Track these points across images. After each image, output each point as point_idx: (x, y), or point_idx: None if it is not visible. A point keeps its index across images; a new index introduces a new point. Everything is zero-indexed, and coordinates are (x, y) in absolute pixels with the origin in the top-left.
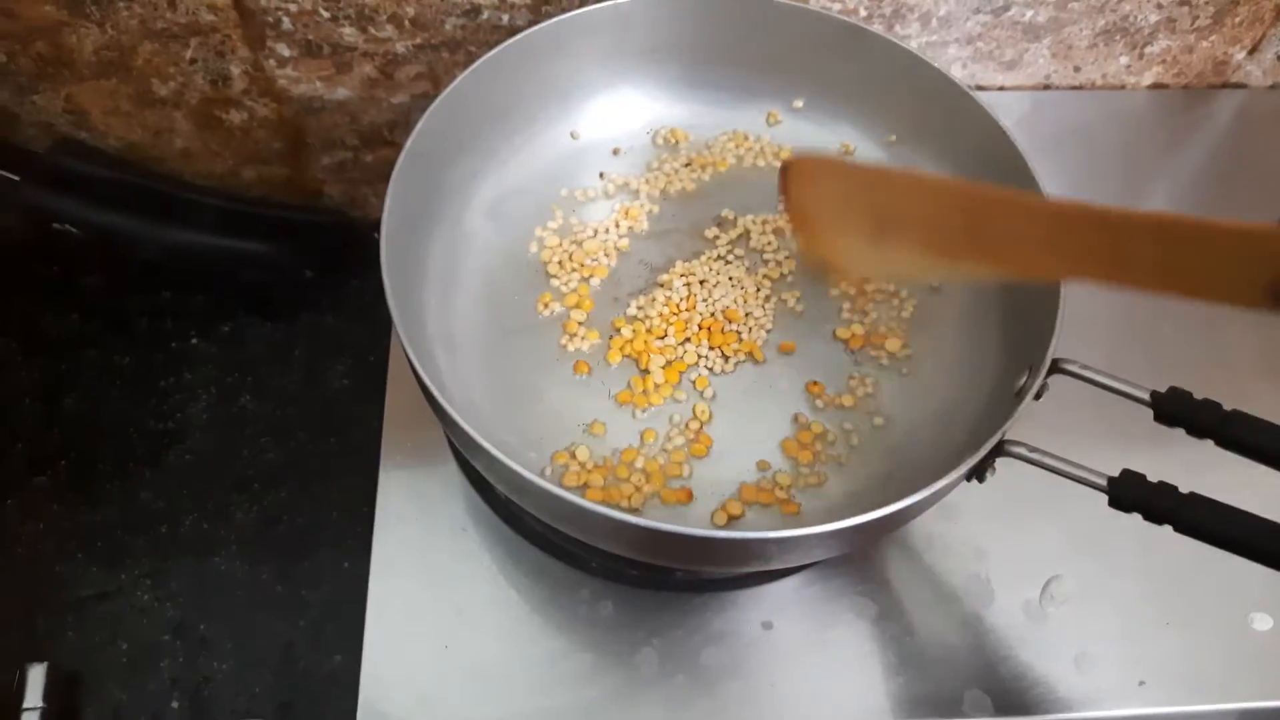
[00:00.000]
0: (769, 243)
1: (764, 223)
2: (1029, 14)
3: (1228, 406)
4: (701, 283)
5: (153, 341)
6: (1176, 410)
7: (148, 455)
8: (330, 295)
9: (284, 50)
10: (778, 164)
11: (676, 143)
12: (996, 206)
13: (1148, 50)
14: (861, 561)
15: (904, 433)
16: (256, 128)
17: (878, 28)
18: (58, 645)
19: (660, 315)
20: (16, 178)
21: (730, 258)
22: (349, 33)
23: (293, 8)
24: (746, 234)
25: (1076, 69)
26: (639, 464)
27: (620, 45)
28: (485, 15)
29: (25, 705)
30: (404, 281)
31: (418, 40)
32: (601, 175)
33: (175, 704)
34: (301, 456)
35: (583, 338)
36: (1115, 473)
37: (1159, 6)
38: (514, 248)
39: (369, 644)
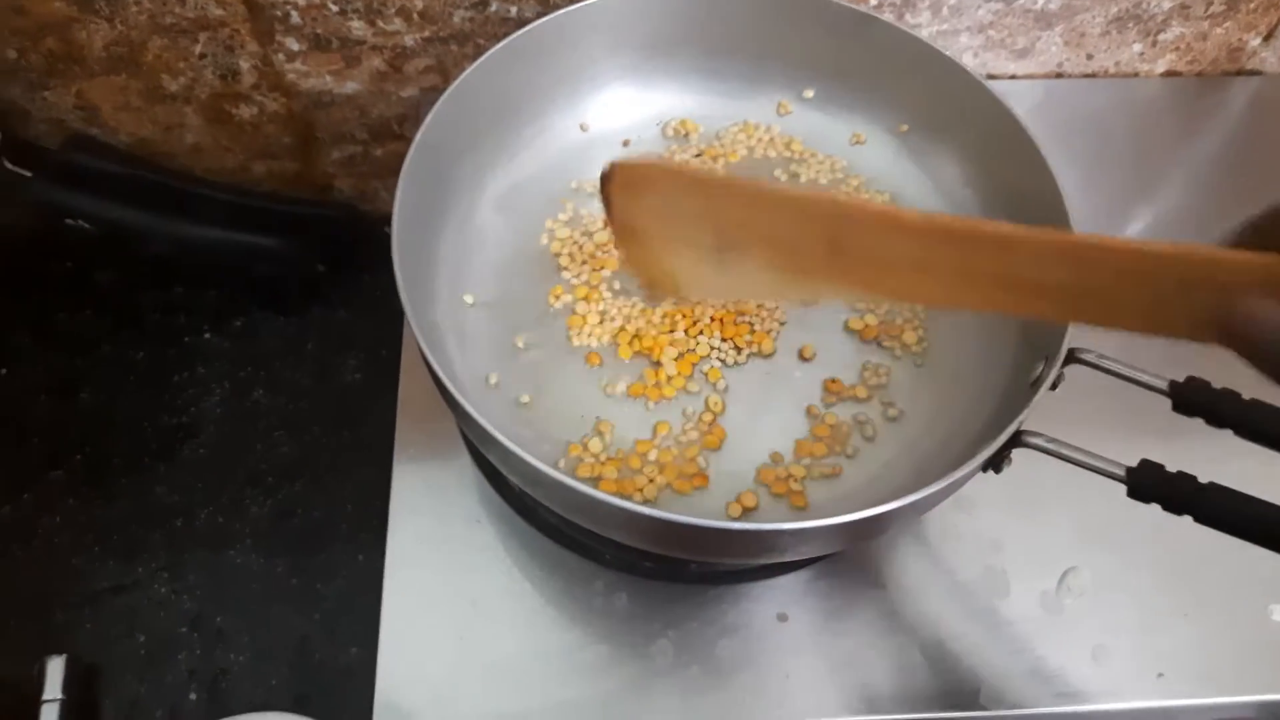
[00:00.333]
0: None
1: None
2: (1041, 1)
3: (1247, 396)
4: None
5: (165, 336)
6: (1195, 400)
7: (162, 449)
8: (342, 289)
9: (293, 44)
10: (789, 154)
11: (687, 134)
12: (863, 222)
13: (1161, 38)
14: (876, 553)
15: (919, 424)
16: (266, 122)
17: (888, 16)
18: (76, 637)
19: (672, 307)
20: (28, 174)
21: None
22: (357, 26)
23: (301, 2)
24: None
25: (1089, 57)
26: (652, 456)
27: (629, 36)
28: (494, 7)
29: (45, 697)
30: (416, 275)
31: (426, 33)
32: None
33: (193, 696)
34: (315, 450)
35: (594, 330)
36: (1133, 463)
37: None
38: (525, 240)
39: (384, 636)
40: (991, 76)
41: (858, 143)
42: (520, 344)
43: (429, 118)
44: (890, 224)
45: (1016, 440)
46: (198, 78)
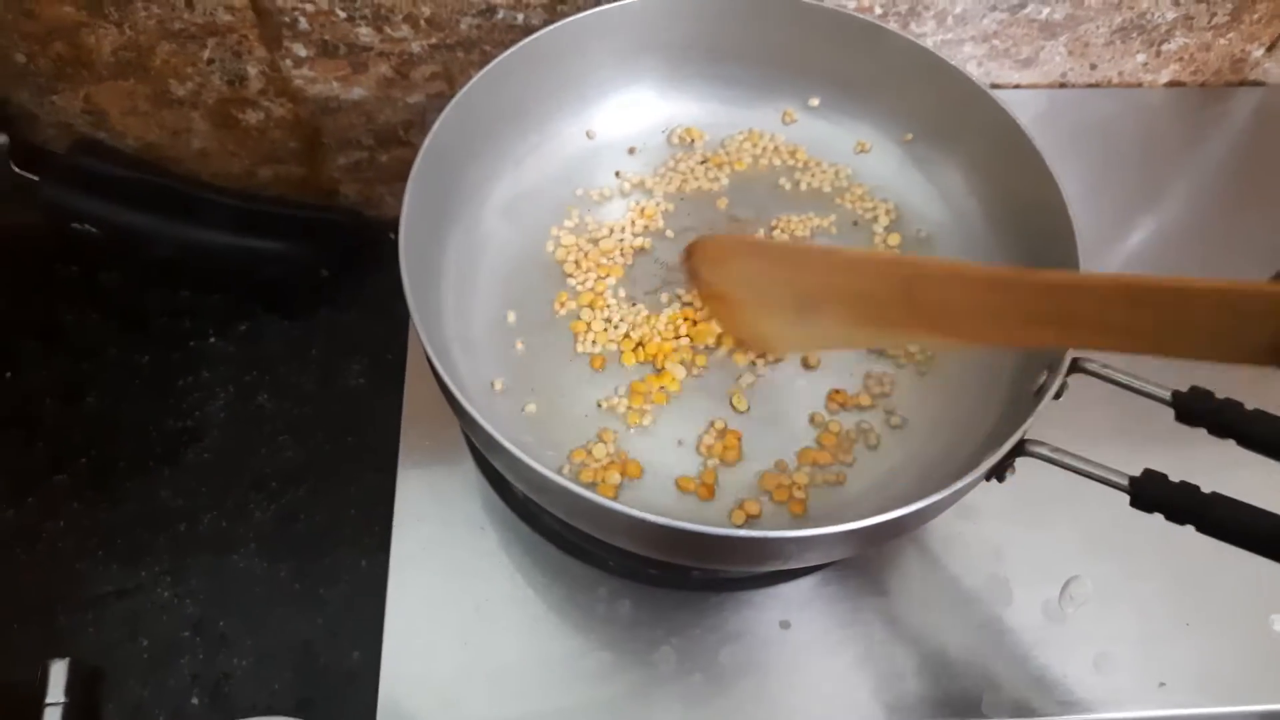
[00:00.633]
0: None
1: (781, 222)
2: (1045, 11)
3: (1250, 406)
4: None
5: (171, 340)
6: (1198, 409)
7: (166, 453)
8: (347, 294)
9: (300, 50)
10: (794, 163)
11: (692, 141)
12: (933, 278)
13: (1165, 48)
14: (879, 561)
15: (922, 433)
16: (273, 128)
17: (893, 25)
18: (79, 641)
19: (676, 314)
20: (36, 177)
21: None
22: (365, 33)
23: (309, 8)
24: (763, 233)
25: (1093, 66)
26: (656, 461)
27: (635, 44)
28: (500, 15)
29: (48, 700)
30: (422, 281)
31: (433, 40)
32: (617, 174)
33: (195, 700)
34: (319, 455)
35: (599, 337)
36: (1136, 472)
37: (1176, 4)
38: (530, 247)
39: (388, 641)
40: (996, 86)
41: (862, 151)
42: (525, 350)
43: (436, 124)
44: (958, 278)
45: (1020, 449)
46: (205, 83)
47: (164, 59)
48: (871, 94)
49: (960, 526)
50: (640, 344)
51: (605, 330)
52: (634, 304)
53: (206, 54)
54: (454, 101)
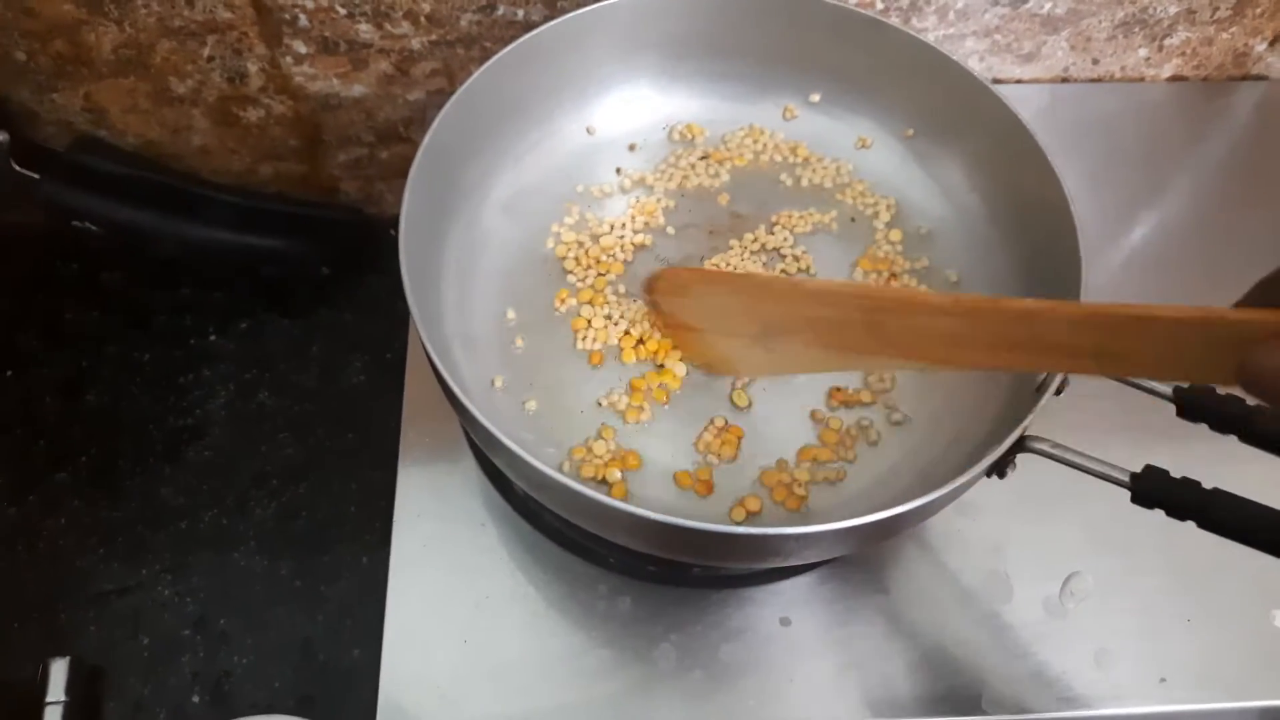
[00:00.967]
0: (786, 239)
1: (781, 218)
2: (1047, 6)
3: (1251, 402)
4: None
5: (172, 338)
6: (1200, 405)
7: (167, 451)
8: (347, 291)
9: (300, 47)
10: (794, 159)
11: (693, 138)
12: (894, 309)
13: (1167, 42)
14: (880, 558)
15: (923, 429)
16: (273, 125)
17: (895, 20)
18: (80, 639)
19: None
20: (36, 175)
21: (746, 254)
22: (365, 29)
23: (309, 4)
24: (763, 229)
25: (1095, 61)
26: (655, 458)
27: (635, 40)
28: (500, 11)
29: (49, 698)
30: (422, 278)
31: (433, 36)
32: (618, 171)
33: (196, 698)
34: (319, 452)
35: (599, 334)
36: (1137, 468)
37: None
38: (530, 244)
39: (388, 639)
40: (997, 81)
41: (863, 147)
42: (525, 347)
43: (436, 121)
44: (919, 308)
45: (1021, 445)
46: (205, 80)
47: (164, 56)
48: (873, 89)
49: (961, 523)
50: (641, 341)
51: (606, 327)
52: (635, 301)
53: (206, 51)
54: (454, 98)
